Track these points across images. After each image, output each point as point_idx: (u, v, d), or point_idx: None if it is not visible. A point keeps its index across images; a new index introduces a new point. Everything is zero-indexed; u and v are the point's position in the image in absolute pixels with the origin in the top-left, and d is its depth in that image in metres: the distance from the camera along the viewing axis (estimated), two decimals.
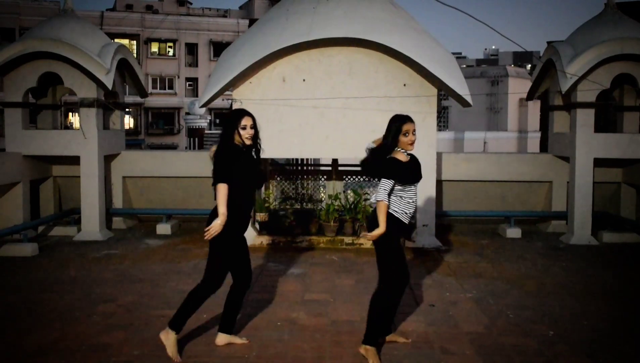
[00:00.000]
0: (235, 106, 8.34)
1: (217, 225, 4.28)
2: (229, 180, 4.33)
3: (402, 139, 4.41)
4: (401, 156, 4.44)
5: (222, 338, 4.64)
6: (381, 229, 4.32)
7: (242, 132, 4.41)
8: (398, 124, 4.42)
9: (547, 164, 9.93)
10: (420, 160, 4.65)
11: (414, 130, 4.45)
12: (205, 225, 4.40)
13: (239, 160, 4.40)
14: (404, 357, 4.46)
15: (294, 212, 8.83)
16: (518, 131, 42.03)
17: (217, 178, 4.34)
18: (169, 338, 4.41)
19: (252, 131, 4.45)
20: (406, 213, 4.48)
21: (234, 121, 4.43)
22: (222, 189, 4.32)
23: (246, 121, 4.43)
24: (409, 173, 4.46)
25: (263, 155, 4.68)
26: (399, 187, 4.43)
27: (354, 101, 8.28)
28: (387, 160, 4.43)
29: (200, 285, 4.48)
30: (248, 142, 4.44)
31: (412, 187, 4.50)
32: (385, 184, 4.37)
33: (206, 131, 27.46)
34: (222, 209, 4.29)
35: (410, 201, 4.49)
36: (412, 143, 4.45)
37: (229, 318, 4.65)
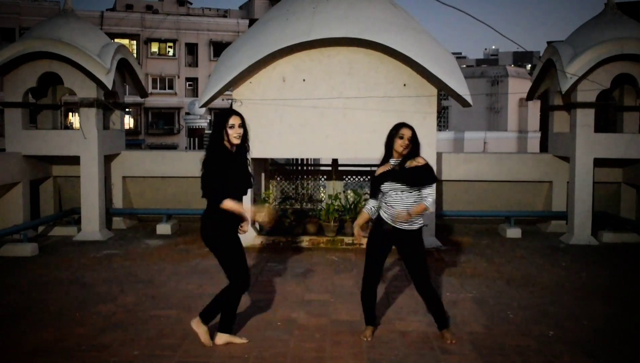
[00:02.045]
0: (235, 106, 8.33)
1: (246, 225, 4.61)
2: (226, 194, 4.36)
3: (397, 141, 4.66)
4: (381, 169, 4.76)
5: (221, 338, 4.65)
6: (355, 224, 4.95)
7: (230, 131, 4.43)
8: (395, 129, 4.72)
9: (547, 164, 9.93)
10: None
11: (409, 137, 4.66)
12: (200, 228, 4.53)
13: (230, 167, 4.42)
14: (404, 357, 4.46)
15: (294, 212, 8.83)
16: (518, 131, 42.04)
17: (217, 196, 4.36)
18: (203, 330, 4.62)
19: (240, 131, 4.46)
20: (385, 216, 4.74)
21: (222, 121, 4.46)
22: (229, 204, 4.36)
23: (234, 120, 4.45)
24: (377, 183, 4.76)
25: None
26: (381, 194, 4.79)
27: (354, 101, 8.27)
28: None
29: (228, 287, 4.54)
30: (236, 141, 4.45)
31: (390, 192, 4.67)
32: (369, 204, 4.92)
33: (206, 131, 27.43)
34: (244, 214, 4.49)
35: (387, 204, 4.71)
36: (404, 148, 4.66)
37: (226, 318, 4.65)
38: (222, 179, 4.37)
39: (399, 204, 4.63)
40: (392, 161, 4.73)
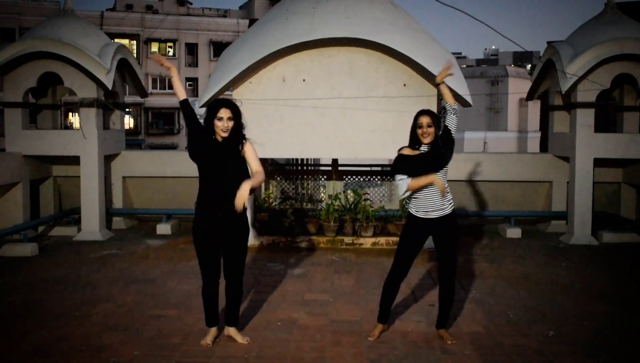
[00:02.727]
0: None
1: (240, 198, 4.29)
2: (193, 115, 4.43)
3: (418, 131, 4.57)
4: (406, 151, 4.63)
5: (227, 331, 4.74)
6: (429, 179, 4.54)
7: (217, 123, 4.27)
8: (414, 118, 4.60)
9: (547, 164, 9.93)
10: None
11: (428, 123, 4.54)
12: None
13: (202, 144, 4.32)
14: (404, 357, 4.46)
15: (294, 212, 8.83)
16: (518, 131, 42.00)
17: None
18: (208, 331, 4.70)
19: (228, 124, 4.28)
20: (415, 209, 4.67)
21: (211, 113, 4.31)
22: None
23: (223, 113, 4.28)
24: (406, 166, 4.59)
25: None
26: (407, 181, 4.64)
27: (354, 101, 8.27)
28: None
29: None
30: (223, 134, 4.29)
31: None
32: (396, 179, 4.67)
33: None
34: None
35: (417, 195, 4.61)
36: (424, 135, 4.55)
37: (227, 311, 4.70)
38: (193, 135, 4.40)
39: (429, 190, 4.58)
40: (423, 148, 4.60)
